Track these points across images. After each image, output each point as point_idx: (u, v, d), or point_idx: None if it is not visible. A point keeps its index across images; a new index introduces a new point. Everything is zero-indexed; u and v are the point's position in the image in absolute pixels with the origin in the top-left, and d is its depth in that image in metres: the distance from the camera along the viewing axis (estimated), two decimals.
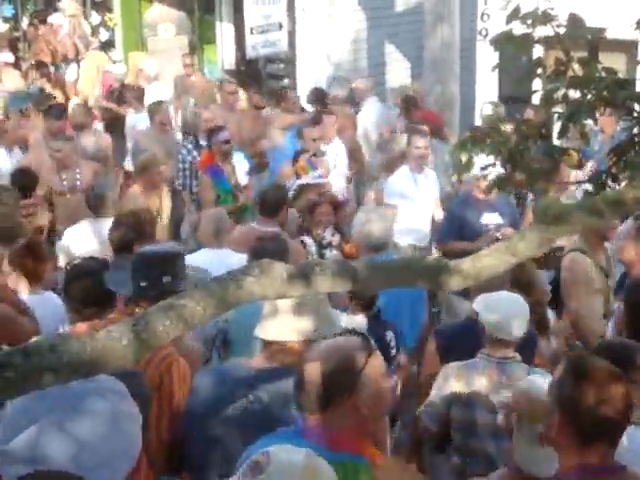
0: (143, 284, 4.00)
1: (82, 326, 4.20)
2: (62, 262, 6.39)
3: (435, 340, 5.11)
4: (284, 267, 2.51)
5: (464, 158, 3.30)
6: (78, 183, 8.39)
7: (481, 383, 4.49)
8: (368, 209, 6.38)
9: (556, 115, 3.23)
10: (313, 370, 2.84)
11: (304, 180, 8.43)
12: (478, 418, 4.46)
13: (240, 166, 9.36)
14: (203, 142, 9.40)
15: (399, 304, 5.59)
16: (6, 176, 8.54)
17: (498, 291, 4.66)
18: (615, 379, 2.93)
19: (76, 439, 2.46)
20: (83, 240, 6.64)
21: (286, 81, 15.01)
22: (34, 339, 4.22)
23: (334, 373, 2.82)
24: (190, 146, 9.60)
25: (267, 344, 3.58)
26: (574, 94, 3.09)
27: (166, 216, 8.18)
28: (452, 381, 4.55)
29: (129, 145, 10.89)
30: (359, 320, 5.11)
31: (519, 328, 4.49)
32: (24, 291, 5.48)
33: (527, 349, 4.79)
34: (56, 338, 2.16)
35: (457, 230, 7.22)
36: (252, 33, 13.30)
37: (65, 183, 8.38)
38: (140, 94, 11.69)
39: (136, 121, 11.14)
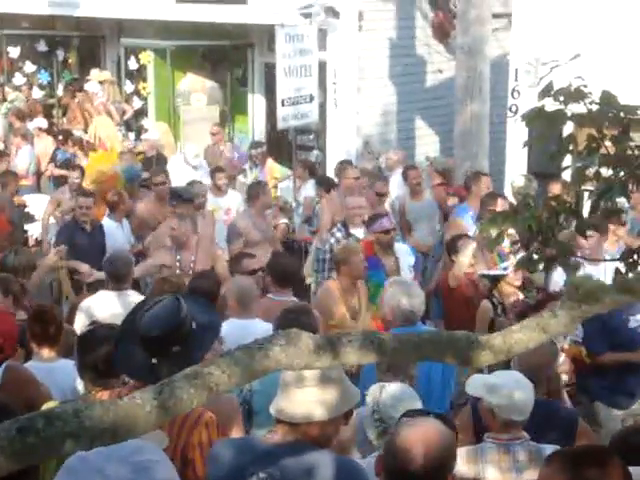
0: (154, 361, 3.85)
1: (104, 394, 4.15)
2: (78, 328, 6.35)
3: (471, 410, 5.00)
4: (311, 337, 2.50)
5: (494, 233, 3.29)
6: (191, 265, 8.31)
7: (491, 469, 4.42)
8: (399, 281, 6.34)
9: (587, 192, 3.22)
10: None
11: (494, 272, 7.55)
12: None
13: (404, 258, 8.44)
14: (354, 231, 8.70)
15: (430, 371, 5.51)
16: (120, 244, 9.27)
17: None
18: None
19: None
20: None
21: (316, 152, 15.13)
22: (49, 404, 4.21)
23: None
24: (340, 235, 8.78)
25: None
26: (606, 171, 3.08)
27: None
28: (461, 467, 4.46)
29: None
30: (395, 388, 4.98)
31: (524, 409, 4.43)
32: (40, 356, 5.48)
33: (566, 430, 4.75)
34: (79, 404, 2.14)
35: (608, 337, 6.72)
36: (283, 105, 13.42)
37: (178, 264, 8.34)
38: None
39: None
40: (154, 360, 3.81)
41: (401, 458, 2.91)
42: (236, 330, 5.50)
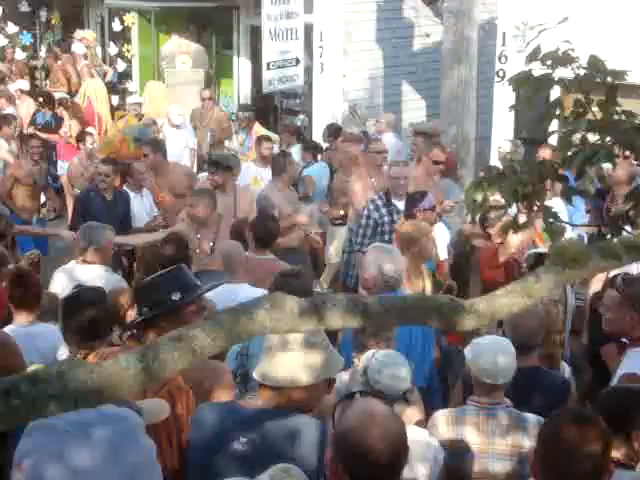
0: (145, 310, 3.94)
1: (89, 357, 4.15)
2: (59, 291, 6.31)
3: (462, 385, 5.04)
4: (295, 301, 2.49)
5: (479, 198, 3.28)
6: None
7: (471, 431, 4.46)
8: (378, 247, 6.34)
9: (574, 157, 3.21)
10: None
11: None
12: (468, 467, 4.43)
13: (442, 237, 8.17)
14: (395, 202, 8.26)
15: (410, 338, 5.52)
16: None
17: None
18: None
19: (72, 468, 2.42)
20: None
21: (301, 117, 15.07)
22: (33, 367, 4.21)
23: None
24: (380, 203, 8.31)
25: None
26: (593, 137, 3.07)
27: None
28: (441, 429, 4.51)
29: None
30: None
31: (505, 373, 4.46)
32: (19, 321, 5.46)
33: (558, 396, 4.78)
34: (63, 365, 2.13)
35: None
36: (269, 68, 13.37)
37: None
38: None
39: None
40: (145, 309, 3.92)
41: (362, 454, 2.81)
42: (224, 294, 5.48)
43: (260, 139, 10.92)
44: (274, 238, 7.34)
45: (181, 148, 12.37)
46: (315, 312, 2.48)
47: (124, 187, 9.65)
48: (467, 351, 4.63)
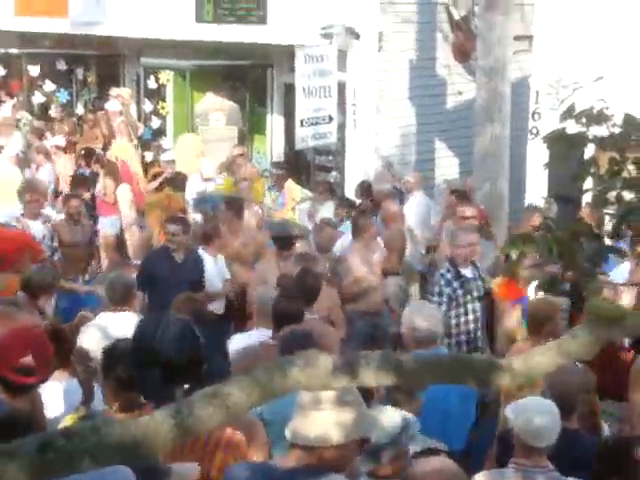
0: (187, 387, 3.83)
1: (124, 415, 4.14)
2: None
3: (497, 447, 4.96)
4: (329, 358, 2.49)
5: (514, 255, 3.27)
6: None
7: None
8: (417, 303, 6.32)
9: (609, 215, 3.20)
10: None
11: None
12: None
13: None
14: (464, 271, 7.96)
15: (447, 399, 5.46)
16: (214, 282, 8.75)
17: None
18: None
19: None
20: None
21: (334, 173, 15.15)
22: (68, 420, 4.21)
23: None
24: (450, 276, 7.94)
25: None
26: (628, 195, 3.07)
27: None
28: None
29: None
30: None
31: (548, 435, 4.39)
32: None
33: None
34: (99, 421, 2.14)
35: None
36: (302, 125, 13.49)
37: None
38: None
39: None
40: (187, 386, 3.80)
41: None
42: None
43: (322, 225, 10.11)
44: (314, 296, 7.15)
45: None
46: (348, 369, 2.48)
47: (200, 250, 9.21)
48: (509, 411, 4.56)
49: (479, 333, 7.88)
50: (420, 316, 5.90)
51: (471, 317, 7.82)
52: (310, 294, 7.08)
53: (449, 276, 7.89)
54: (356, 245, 8.98)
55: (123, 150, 14.52)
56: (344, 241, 9.56)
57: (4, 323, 4.58)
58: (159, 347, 3.79)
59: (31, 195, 10.29)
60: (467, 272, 7.95)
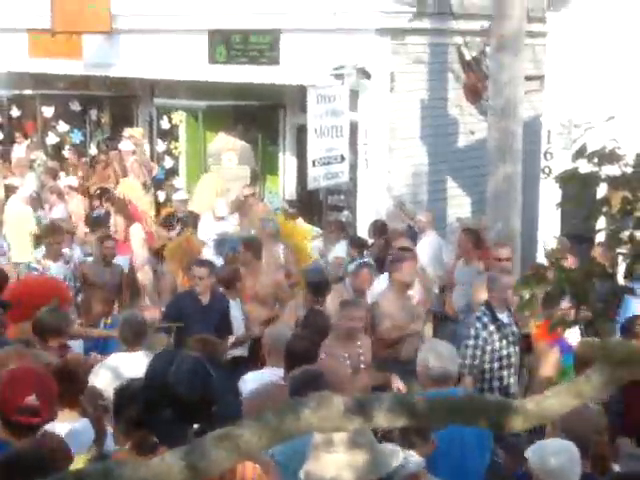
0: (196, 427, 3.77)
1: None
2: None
3: None
4: (342, 400, 2.47)
5: (527, 295, 3.26)
6: None
7: None
8: (431, 342, 6.28)
9: (622, 255, 3.19)
10: None
11: None
12: None
13: None
14: (500, 315, 7.77)
15: (462, 440, 5.39)
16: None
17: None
18: None
19: None
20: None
21: (346, 212, 15.17)
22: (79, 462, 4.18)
23: None
24: (486, 319, 7.72)
25: None
26: None
27: None
28: None
29: None
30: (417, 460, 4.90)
31: (568, 477, 4.35)
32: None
33: None
34: (111, 463, 2.13)
35: None
36: (314, 165, 13.54)
37: None
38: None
39: None
40: (196, 426, 3.75)
41: None
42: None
43: (359, 268, 9.65)
44: (325, 335, 7.08)
45: None
46: (361, 411, 2.46)
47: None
48: (530, 453, 4.51)
49: (512, 379, 7.73)
50: (434, 355, 5.86)
51: (505, 363, 7.67)
52: (321, 333, 7.05)
53: (485, 319, 7.71)
54: (392, 288, 8.61)
55: (130, 189, 14.60)
56: (381, 283, 9.20)
57: (18, 362, 4.56)
58: (171, 383, 3.76)
59: (53, 237, 10.31)
60: (503, 317, 7.79)
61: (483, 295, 8.20)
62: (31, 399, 3.89)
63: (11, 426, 3.91)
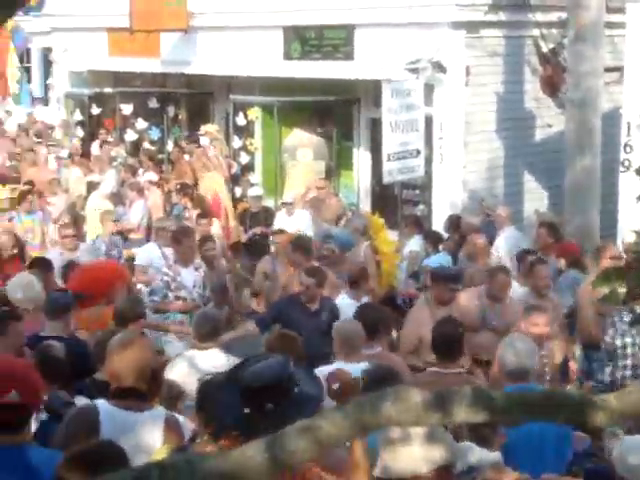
0: (246, 411, 3.79)
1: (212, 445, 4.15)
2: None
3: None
4: (421, 393, 2.47)
5: (607, 290, 3.22)
6: None
7: None
8: (509, 337, 6.21)
9: None
10: None
11: None
12: None
13: None
14: None
15: (542, 437, 5.33)
16: None
17: None
18: None
19: None
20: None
21: (421, 207, 15.12)
22: (161, 452, 4.24)
23: None
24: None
25: None
26: None
27: None
28: None
29: None
30: (495, 456, 4.86)
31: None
32: None
33: None
34: (192, 454, 2.16)
35: None
36: (389, 159, 13.52)
37: None
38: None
39: None
40: (246, 410, 3.82)
41: None
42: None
43: (495, 271, 8.80)
44: (460, 348, 6.62)
45: None
46: (440, 405, 2.46)
47: (344, 295, 8.79)
48: (615, 448, 4.46)
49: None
50: (511, 350, 5.81)
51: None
52: (371, 327, 6.93)
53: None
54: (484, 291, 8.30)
55: (215, 182, 14.75)
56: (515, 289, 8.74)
57: (130, 350, 4.62)
58: (250, 381, 3.81)
59: (187, 240, 9.52)
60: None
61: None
62: (12, 395, 3.73)
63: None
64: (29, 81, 25.14)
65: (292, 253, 9.63)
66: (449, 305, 8.06)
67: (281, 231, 11.33)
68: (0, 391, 3.62)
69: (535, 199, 14.78)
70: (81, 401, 5.30)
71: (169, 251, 9.95)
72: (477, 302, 8.24)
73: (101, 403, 4.59)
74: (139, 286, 10.04)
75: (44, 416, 5.02)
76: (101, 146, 18.55)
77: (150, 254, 10.38)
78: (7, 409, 3.61)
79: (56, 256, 10.25)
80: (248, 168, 17.21)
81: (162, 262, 9.87)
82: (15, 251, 9.97)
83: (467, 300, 8.29)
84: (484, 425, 4.65)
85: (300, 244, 9.72)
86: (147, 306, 8.53)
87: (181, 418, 5.16)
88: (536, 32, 14.33)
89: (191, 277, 9.25)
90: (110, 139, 19.07)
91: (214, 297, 9.32)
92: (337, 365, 6.22)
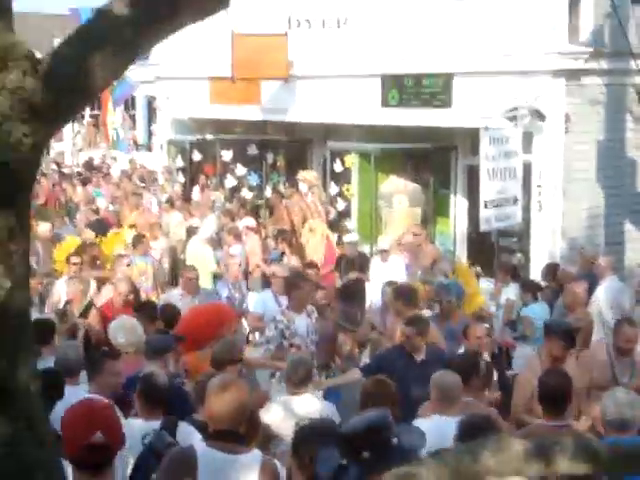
0: (343, 462, 3.75)
1: None
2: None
3: None
4: (522, 443, 2.45)
5: None
6: None
7: None
8: (615, 389, 6.07)
9: None
10: None
11: None
12: None
13: None
14: None
15: None
16: None
17: None
18: None
19: None
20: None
21: (518, 255, 14.96)
22: None
23: None
24: None
25: None
26: None
27: None
28: None
29: None
30: None
31: None
32: None
33: None
34: None
35: None
36: (486, 207, 13.44)
37: None
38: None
39: None
40: (344, 461, 3.81)
41: None
42: (435, 428, 5.41)
43: (622, 323, 8.37)
44: (566, 399, 6.33)
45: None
46: (542, 455, 2.44)
47: None
48: None
49: None
50: (612, 401, 5.69)
51: None
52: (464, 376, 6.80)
53: None
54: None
55: (324, 228, 14.91)
56: None
57: (228, 392, 4.71)
58: (348, 435, 3.83)
59: (303, 286, 9.24)
60: None
61: None
62: (97, 437, 3.81)
63: (80, 465, 3.84)
64: (134, 128, 25.92)
65: (394, 301, 9.59)
66: (562, 362, 7.54)
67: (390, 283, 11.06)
68: (85, 433, 3.71)
69: (637, 249, 14.48)
70: (185, 429, 5.40)
71: (283, 299, 10.01)
72: (605, 357, 7.86)
73: (198, 444, 4.66)
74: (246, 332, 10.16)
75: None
76: (202, 191, 18.92)
77: (265, 301, 10.51)
78: (94, 450, 3.70)
79: (176, 298, 10.49)
80: (344, 214, 17.32)
81: (276, 309, 9.87)
82: (131, 297, 10.21)
83: (593, 355, 7.97)
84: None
85: (401, 292, 9.69)
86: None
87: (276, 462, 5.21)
88: (638, 79, 14.14)
89: (304, 323, 9.07)
90: (209, 184, 19.44)
91: (322, 345, 9.30)
92: (434, 418, 6.17)
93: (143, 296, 11.34)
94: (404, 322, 8.37)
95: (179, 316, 9.06)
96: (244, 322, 11.82)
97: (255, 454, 4.70)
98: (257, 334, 10.43)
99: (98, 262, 12.96)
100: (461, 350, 8.34)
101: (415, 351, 7.98)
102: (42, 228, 13.98)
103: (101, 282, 11.60)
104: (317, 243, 14.80)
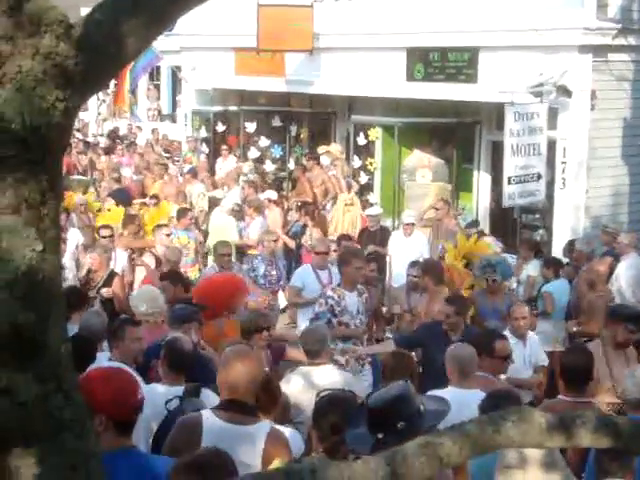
0: (380, 436, 3.81)
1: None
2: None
3: None
4: (543, 416, 2.47)
5: None
6: None
7: None
8: (635, 367, 6.08)
9: None
10: None
11: None
12: None
13: None
14: None
15: None
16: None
17: None
18: None
19: None
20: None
21: (541, 231, 14.91)
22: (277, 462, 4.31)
23: None
24: None
25: None
26: None
27: None
28: None
29: None
30: None
31: None
32: None
33: None
34: (316, 463, 2.21)
35: None
36: (510, 183, 13.39)
37: None
38: None
39: None
40: (380, 435, 3.84)
41: None
42: (454, 400, 5.43)
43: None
44: (588, 376, 6.31)
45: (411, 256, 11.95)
46: (564, 428, 2.45)
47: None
48: None
49: None
50: (632, 379, 5.70)
51: None
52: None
53: None
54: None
55: (358, 201, 14.98)
56: None
57: (240, 363, 4.73)
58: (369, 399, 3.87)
59: (356, 262, 8.94)
60: None
61: None
62: (140, 397, 3.98)
63: (124, 426, 3.96)
64: (158, 98, 25.89)
65: (422, 278, 9.61)
66: (627, 347, 7.39)
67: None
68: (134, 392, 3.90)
69: None
70: (208, 396, 5.45)
71: (323, 274, 10.06)
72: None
73: (206, 413, 4.67)
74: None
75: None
76: (226, 160, 18.94)
77: (305, 276, 10.43)
78: (139, 409, 3.88)
79: (212, 273, 10.51)
80: (367, 188, 17.30)
81: (317, 285, 9.89)
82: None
83: None
84: (611, 459, 4.54)
85: (428, 268, 9.70)
86: None
87: (290, 432, 5.24)
88: None
89: (355, 301, 8.85)
90: (232, 156, 19.45)
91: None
92: (450, 390, 6.19)
93: (181, 271, 11.23)
94: (445, 301, 8.37)
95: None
96: (281, 295, 11.87)
97: (262, 425, 4.67)
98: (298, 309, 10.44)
99: (141, 232, 12.92)
100: (506, 331, 8.14)
101: (453, 329, 7.97)
102: (77, 199, 14.04)
103: (140, 252, 11.72)
104: (355, 216, 14.84)
